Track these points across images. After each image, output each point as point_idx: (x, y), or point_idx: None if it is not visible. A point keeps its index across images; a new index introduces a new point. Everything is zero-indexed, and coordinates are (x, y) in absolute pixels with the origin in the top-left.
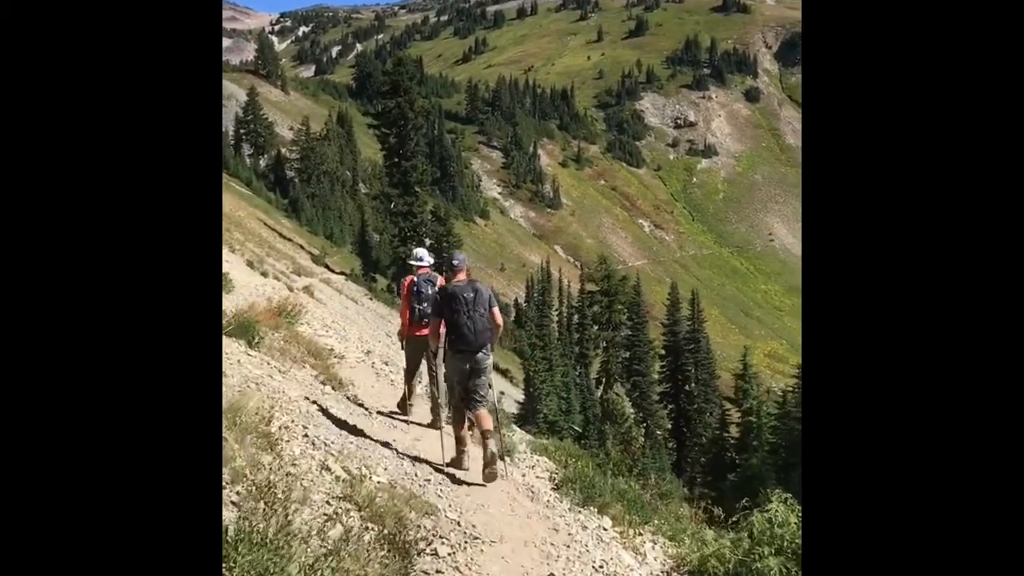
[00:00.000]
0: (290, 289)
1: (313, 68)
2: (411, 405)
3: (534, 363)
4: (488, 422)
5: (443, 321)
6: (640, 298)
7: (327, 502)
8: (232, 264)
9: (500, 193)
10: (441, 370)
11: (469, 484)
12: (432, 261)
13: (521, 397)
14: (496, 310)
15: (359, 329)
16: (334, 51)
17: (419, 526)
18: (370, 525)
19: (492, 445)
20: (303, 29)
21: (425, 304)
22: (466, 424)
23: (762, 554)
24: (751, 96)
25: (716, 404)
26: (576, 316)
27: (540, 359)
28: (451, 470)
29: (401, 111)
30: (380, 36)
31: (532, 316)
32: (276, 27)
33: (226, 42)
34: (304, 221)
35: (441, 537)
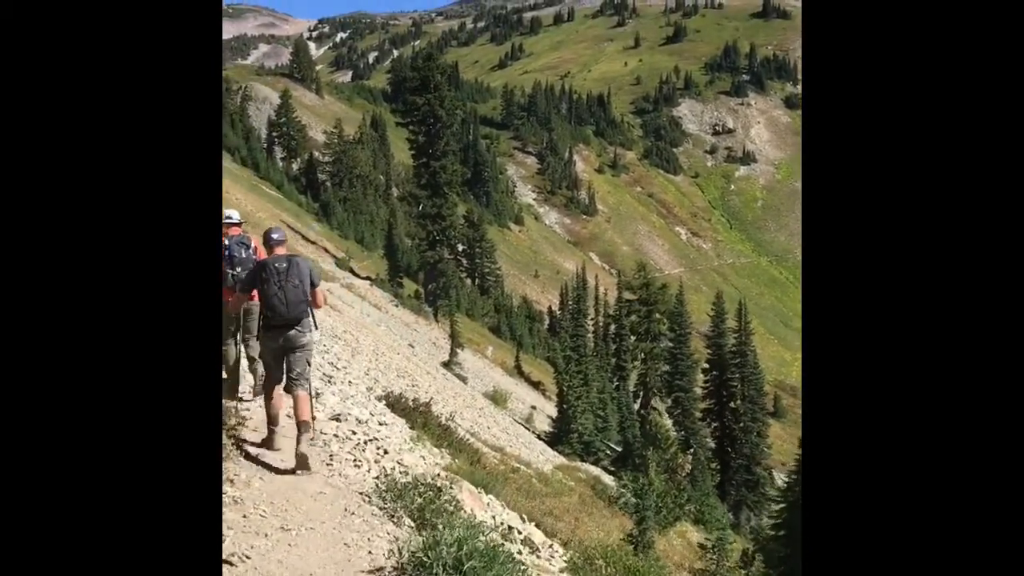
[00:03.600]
0: None
1: (350, 74)
2: (225, 379)
3: (568, 377)
4: (305, 410)
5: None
6: (683, 308)
7: None
8: None
9: (535, 199)
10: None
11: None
12: (240, 220)
13: (554, 412)
14: (319, 290)
15: (375, 340)
16: (371, 57)
17: None
18: None
19: (304, 443)
20: (341, 35)
21: (239, 269)
22: (280, 401)
23: None
24: (791, 103)
25: (763, 423)
26: (613, 326)
27: (575, 372)
28: (264, 453)
29: (431, 107)
30: (417, 42)
31: (566, 325)
32: (314, 33)
33: (264, 48)
34: (335, 225)
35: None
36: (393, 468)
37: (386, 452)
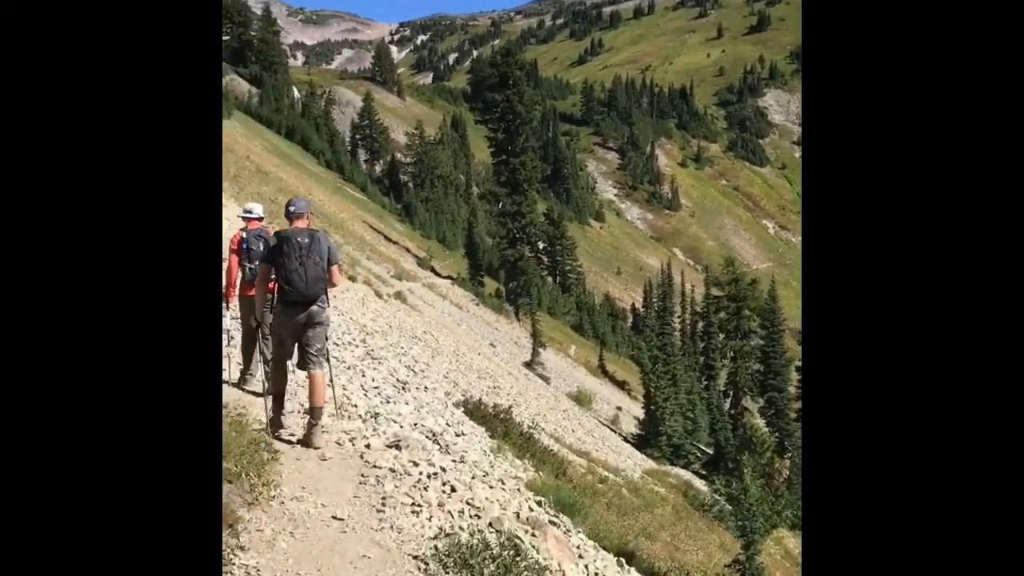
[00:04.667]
0: (379, 296)
1: (431, 75)
2: (250, 375)
3: (655, 377)
4: (320, 394)
5: (273, 269)
6: (775, 304)
7: None
8: None
9: (616, 195)
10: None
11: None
12: (262, 215)
13: (640, 413)
14: (336, 268)
15: (455, 340)
16: (451, 58)
17: None
18: None
19: (317, 434)
20: (421, 38)
21: (257, 263)
22: (287, 381)
23: None
24: None
25: None
26: (701, 323)
27: (662, 373)
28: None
29: (510, 104)
30: (496, 42)
31: (652, 323)
32: (396, 36)
33: (347, 53)
34: (416, 225)
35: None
36: (461, 511)
37: (454, 490)
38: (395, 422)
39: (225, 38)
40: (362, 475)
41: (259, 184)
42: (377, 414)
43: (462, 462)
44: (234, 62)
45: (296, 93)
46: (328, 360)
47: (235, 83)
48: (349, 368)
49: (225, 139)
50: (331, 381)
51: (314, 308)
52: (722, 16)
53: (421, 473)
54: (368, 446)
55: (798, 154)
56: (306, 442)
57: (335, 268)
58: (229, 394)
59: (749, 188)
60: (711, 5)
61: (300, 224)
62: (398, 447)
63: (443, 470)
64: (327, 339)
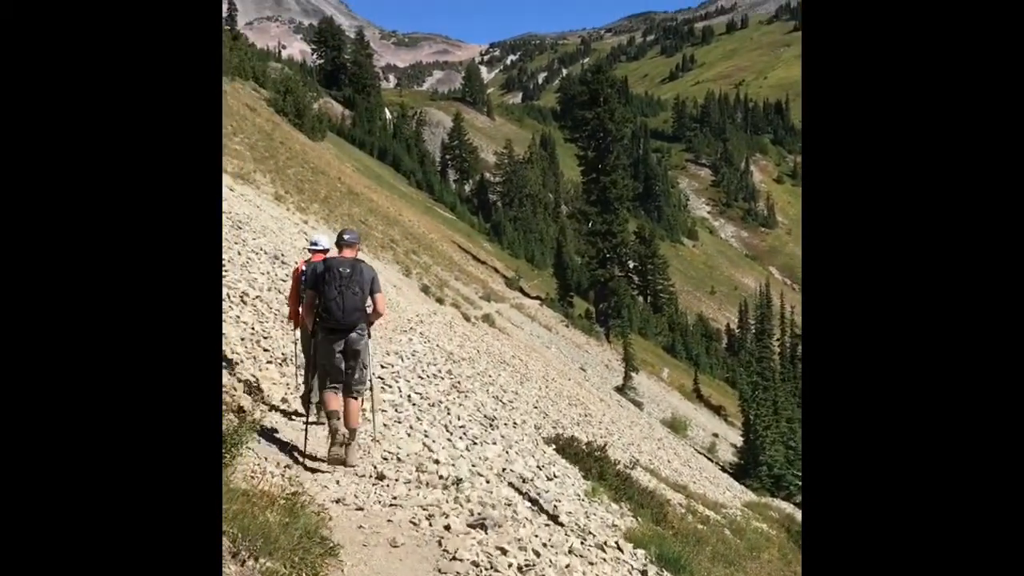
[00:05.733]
0: (467, 319)
1: (520, 95)
2: (312, 403)
3: (756, 405)
4: (354, 418)
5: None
6: None
7: None
8: (401, 289)
9: (709, 212)
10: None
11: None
12: (326, 247)
13: (738, 440)
14: (380, 296)
15: (544, 365)
16: (540, 77)
17: None
18: None
19: (352, 453)
20: (511, 58)
21: None
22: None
23: None
24: None
25: None
26: (801, 346)
27: (762, 400)
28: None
29: (600, 122)
30: (586, 60)
31: (750, 347)
32: (486, 57)
33: (438, 74)
34: (505, 244)
35: None
36: None
37: None
38: (481, 475)
39: (319, 61)
40: (439, 570)
41: (350, 205)
42: (460, 480)
43: (556, 523)
44: (328, 85)
45: (388, 115)
46: (372, 389)
47: (328, 105)
48: (433, 406)
49: (317, 161)
50: (372, 409)
51: (353, 335)
52: None
53: (510, 566)
54: (448, 527)
55: None
56: (341, 461)
57: (379, 296)
58: (282, 448)
59: None
60: None
61: (348, 254)
62: (483, 527)
63: (536, 554)
64: (366, 367)
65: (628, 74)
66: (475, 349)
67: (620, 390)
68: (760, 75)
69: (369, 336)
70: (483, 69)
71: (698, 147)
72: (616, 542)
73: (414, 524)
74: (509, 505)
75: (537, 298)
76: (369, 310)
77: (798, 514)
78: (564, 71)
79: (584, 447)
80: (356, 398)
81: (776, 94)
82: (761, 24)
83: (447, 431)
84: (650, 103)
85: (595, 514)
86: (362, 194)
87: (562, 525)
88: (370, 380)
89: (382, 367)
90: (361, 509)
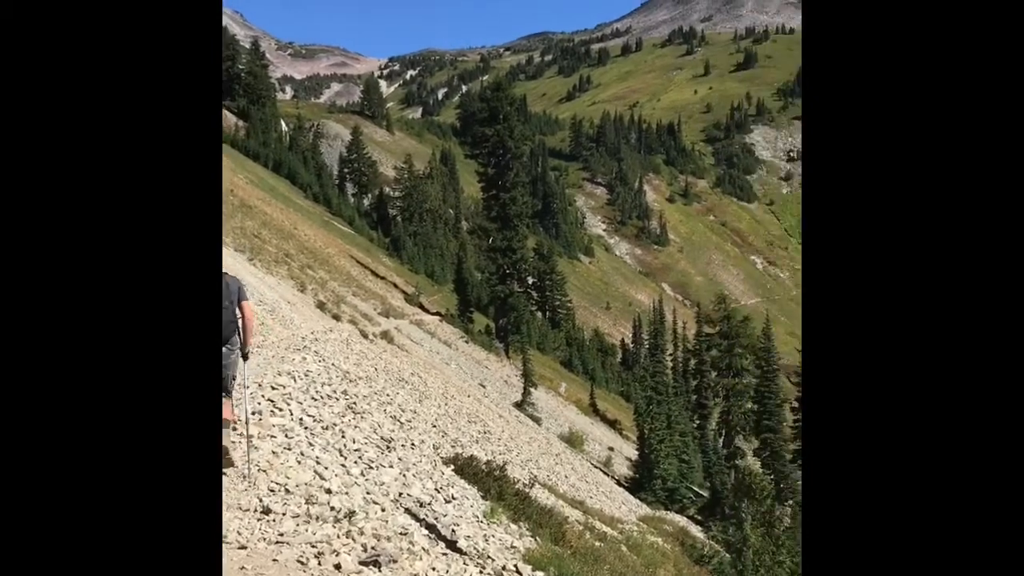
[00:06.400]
0: (364, 336)
1: (420, 110)
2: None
3: (650, 419)
4: (227, 412)
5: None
6: (770, 343)
7: None
8: (296, 305)
9: (605, 230)
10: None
11: None
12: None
13: (633, 453)
14: (246, 304)
15: (444, 382)
16: (440, 93)
17: None
18: None
19: (224, 436)
20: (411, 72)
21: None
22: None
23: None
24: None
25: None
26: (693, 361)
27: (656, 414)
28: None
29: (500, 139)
30: (485, 77)
31: (644, 362)
32: (385, 71)
33: (336, 87)
34: (405, 259)
35: None
36: None
37: None
38: (376, 503)
39: None
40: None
41: (242, 218)
42: (353, 512)
43: (455, 549)
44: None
45: (284, 126)
46: (231, 391)
47: (222, 116)
48: (326, 429)
49: None
50: (235, 415)
51: (224, 349)
52: (709, 53)
53: None
54: (338, 566)
55: (785, 190)
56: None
57: (246, 304)
58: None
59: (737, 224)
60: (698, 43)
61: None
62: (377, 563)
63: None
64: (234, 379)
65: (527, 92)
66: (373, 367)
67: (519, 406)
68: (654, 97)
69: (244, 353)
70: (383, 83)
71: (594, 166)
72: (515, 565)
73: (302, 563)
74: (405, 535)
75: (437, 314)
76: (240, 323)
77: (692, 527)
78: (464, 87)
79: (483, 466)
80: (227, 399)
81: (668, 116)
82: (655, 47)
83: (341, 455)
84: (548, 122)
85: (494, 536)
86: (255, 207)
87: (461, 551)
88: (244, 401)
89: (273, 388)
90: (244, 548)
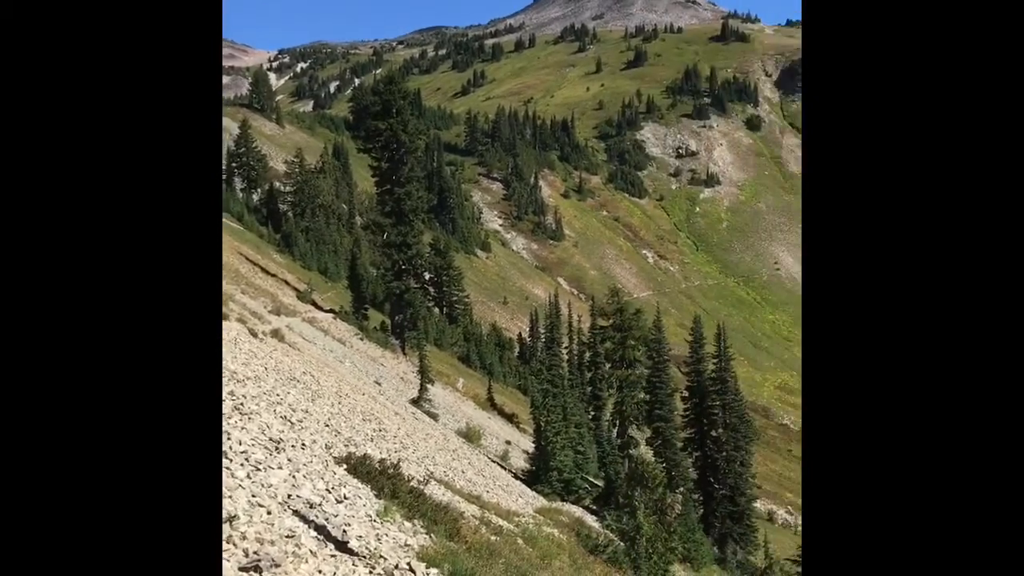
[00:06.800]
0: (254, 335)
1: (311, 103)
2: None
3: (546, 412)
4: None
5: None
6: (661, 334)
7: None
8: None
9: (501, 225)
10: None
11: None
12: None
13: (530, 446)
14: None
15: (338, 380)
16: (332, 86)
17: None
18: None
19: None
20: (301, 65)
21: None
22: None
23: None
24: (752, 124)
25: (746, 451)
26: (588, 353)
27: (552, 407)
28: None
29: (393, 133)
30: (378, 71)
31: (540, 355)
32: (275, 64)
33: (224, 79)
34: (297, 256)
35: None
36: None
37: None
38: (262, 506)
39: None
40: None
41: None
42: (234, 516)
43: (345, 550)
44: None
45: None
46: None
47: None
48: None
49: None
50: None
51: None
52: (600, 51)
53: None
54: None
55: (675, 186)
56: None
57: None
58: None
59: (629, 219)
60: (590, 40)
61: None
62: (258, 569)
63: None
64: None
65: (421, 87)
66: (262, 367)
67: (416, 402)
68: (547, 93)
69: None
70: (272, 75)
71: (490, 161)
72: (409, 563)
73: None
74: (291, 538)
75: (331, 311)
76: None
77: (587, 517)
78: (356, 81)
79: (377, 465)
80: None
81: (562, 112)
82: (548, 44)
83: (226, 458)
84: (443, 116)
85: (387, 535)
86: None
87: (352, 552)
88: None
89: None
90: None
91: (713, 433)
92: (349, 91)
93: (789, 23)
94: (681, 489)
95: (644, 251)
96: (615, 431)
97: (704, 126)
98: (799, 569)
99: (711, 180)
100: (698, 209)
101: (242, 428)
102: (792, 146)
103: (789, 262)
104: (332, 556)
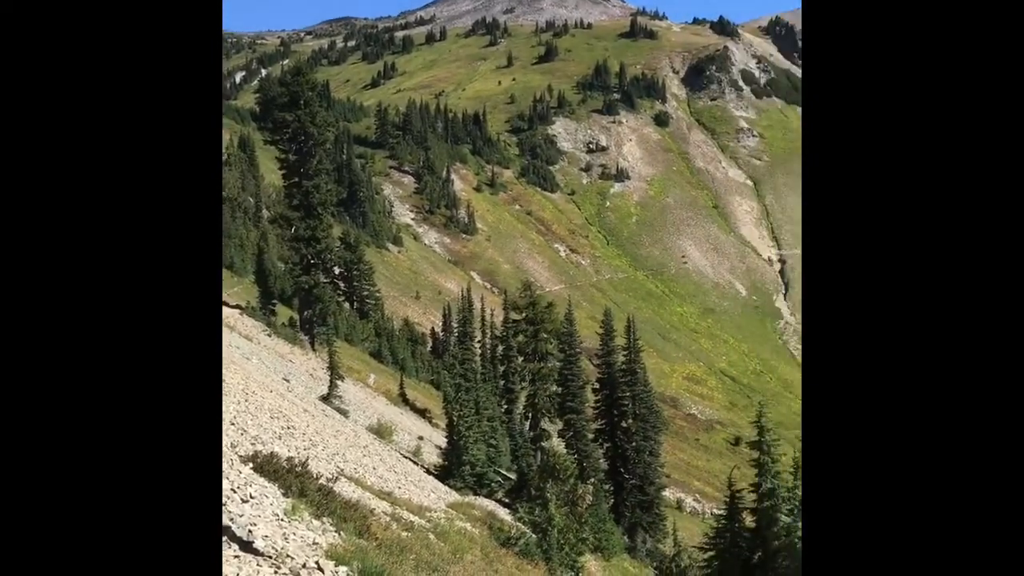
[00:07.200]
0: None
1: None
2: None
3: (459, 406)
4: None
5: None
6: (573, 327)
7: None
8: None
9: (413, 219)
10: None
11: None
12: None
13: (442, 441)
14: None
15: (245, 377)
16: (238, 77)
17: None
18: None
19: None
20: None
21: None
22: None
23: None
24: (660, 120)
25: (655, 441)
26: (501, 347)
27: (465, 400)
28: None
29: (301, 125)
30: (286, 61)
31: (453, 349)
32: None
33: None
34: None
35: None
36: None
37: None
38: None
39: None
40: None
41: None
42: None
43: (250, 550)
44: None
45: None
46: None
47: None
48: None
49: None
50: None
51: None
52: (512, 45)
53: None
54: None
55: (586, 180)
56: None
57: None
58: None
59: (541, 213)
60: (501, 34)
61: None
62: None
63: None
64: None
65: (330, 78)
66: None
67: (325, 399)
68: (459, 87)
69: None
70: None
71: (401, 155)
72: (317, 562)
73: None
74: None
75: (237, 307)
76: None
77: (500, 510)
78: (263, 71)
79: (284, 463)
80: None
81: (474, 106)
82: (459, 37)
83: None
84: (353, 109)
85: (295, 534)
86: None
87: (257, 552)
88: None
89: None
90: None
91: (623, 424)
92: (255, 82)
93: (696, 21)
94: (592, 480)
95: (556, 245)
96: (527, 424)
97: (614, 121)
98: (705, 556)
99: (621, 175)
100: (608, 204)
101: None
102: (698, 142)
103: (696, 256)
104: (236, 557)
